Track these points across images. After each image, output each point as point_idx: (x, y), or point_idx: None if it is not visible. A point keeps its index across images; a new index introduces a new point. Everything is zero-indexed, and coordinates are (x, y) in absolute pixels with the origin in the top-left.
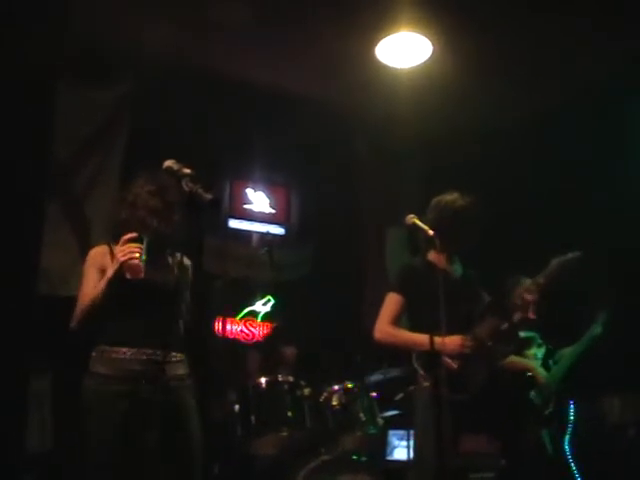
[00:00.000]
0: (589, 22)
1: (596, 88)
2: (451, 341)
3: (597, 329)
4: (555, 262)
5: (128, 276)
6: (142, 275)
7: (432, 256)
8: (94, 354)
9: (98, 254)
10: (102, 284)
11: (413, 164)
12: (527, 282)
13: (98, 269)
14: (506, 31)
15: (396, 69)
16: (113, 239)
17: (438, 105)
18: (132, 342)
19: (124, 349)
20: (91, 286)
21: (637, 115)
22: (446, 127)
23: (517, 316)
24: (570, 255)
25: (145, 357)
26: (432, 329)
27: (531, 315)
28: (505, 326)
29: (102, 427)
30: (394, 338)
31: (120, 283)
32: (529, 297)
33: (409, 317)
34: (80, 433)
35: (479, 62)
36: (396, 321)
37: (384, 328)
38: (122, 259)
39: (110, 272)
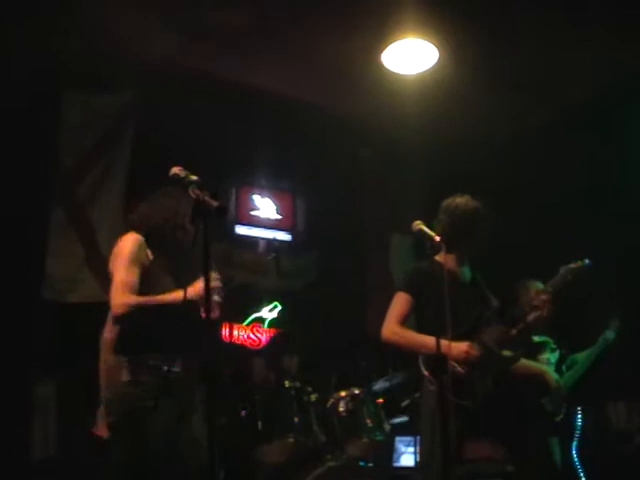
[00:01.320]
0: (597, 31)
1: (602, 96)
2: (457, 347)
3: (611, 335)
4: (564, 269)
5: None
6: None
7: (441, 258)
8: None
9: (139, 247)
10: (168, 299)
11: (418, 171)
12: (537, 285)
13: (140, 264)
14: (513, 38)
15: (402, 75)
16: (146, 237)
17: (444, 112)
18: None
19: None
20: (134, 280)
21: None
22: (452, 134)
23: (531, 317)
24: (579, 263)
25: None
26: (439, 331)
27: (546, 317)
28: (514, 332)
29: None
30: (402, 339)
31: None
32: (544, 297)
33: (416, 318)
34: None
35: (485, 69)
36: (404, 321)
37: (392, 328)
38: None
39: (180, 296)
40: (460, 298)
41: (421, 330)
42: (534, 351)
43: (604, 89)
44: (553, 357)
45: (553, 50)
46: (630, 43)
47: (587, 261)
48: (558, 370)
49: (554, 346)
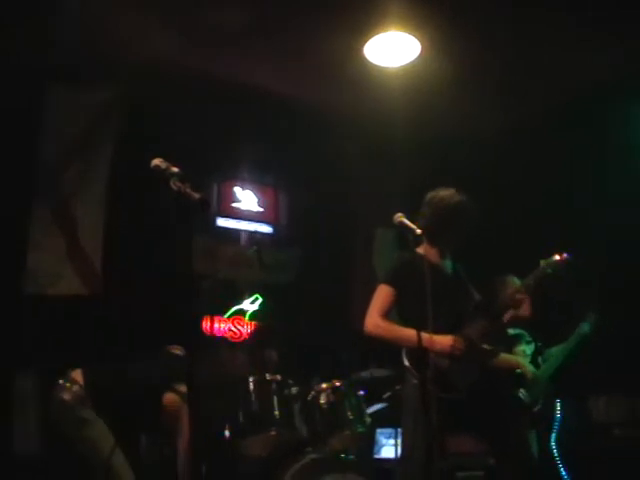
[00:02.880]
0: (581, 30)
1: (584, 92)
2: (442, 340)
3: (585, 328)
4: (544, 264)
5: None
6: None
7: (423, 250)
8: None
9: None
10: None
11: (402, 164)
12: (515, 281)
13: None
14: (495, 33)
15: (384, 68)
16: None
17: (427, 106)
18: None
19: None
20: None
21: (622, 119)
22: (435, 128)
23: (507, 315)
24: (559, 256)
25: None
26: (421, 323)
27: (525, 312)
28: (495, 325)
29: None
30: (385, 331)
31: None
32: (521, 296)
33: (399, 311)
34: None
35: (468, 64)
36: (387, 313)
37: (375, 321)
38: None
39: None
40: (443, 291)
41: (404, 323)
42: (510, 343)
43: (587, 88)
44: (529, 349)
45: (536, 47)
46: (611, 45)
47: (567, 255)
48: (534, 362)
49: (529, 338)
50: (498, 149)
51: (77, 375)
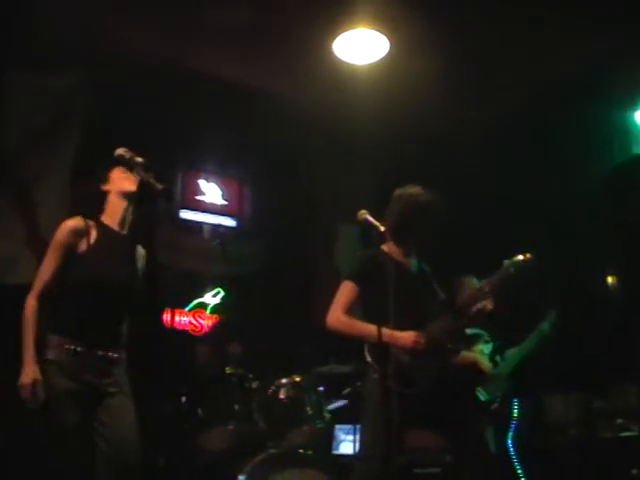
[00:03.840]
0: (546, 29)
1: (552, 90)
2: (404, 336)
3: (545, 327)
4: (507, 263)
5: None
6: None
7: (389, 248)
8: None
9: None
10: None
11: (367, 161)
12: (473, 282)
13: None
14: (464, 31)
15: (353, 65)
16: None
17: (394, 103)
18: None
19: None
20: None
21: (588, 118)
22: (401, 125)
23: (471, 316)
24: (522, 257)
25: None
26: (385, 320)
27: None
28: (457, 324)
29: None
30: (346, 327)
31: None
32: (488, 301)
33: (363, 308)
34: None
35: (435, 62)
36: (349, 310)
37: (337, 316)
38: None
39: None
40: (406, 288)
41: (368, 319)
42: (469, 342)
43: (554, 87)
44: (487, 348)
45: (504, 46)
46: (577, 45)
47: (530, 256)
48: (492, 361)
49: (488, 338)
50: (464, 148)
51: None
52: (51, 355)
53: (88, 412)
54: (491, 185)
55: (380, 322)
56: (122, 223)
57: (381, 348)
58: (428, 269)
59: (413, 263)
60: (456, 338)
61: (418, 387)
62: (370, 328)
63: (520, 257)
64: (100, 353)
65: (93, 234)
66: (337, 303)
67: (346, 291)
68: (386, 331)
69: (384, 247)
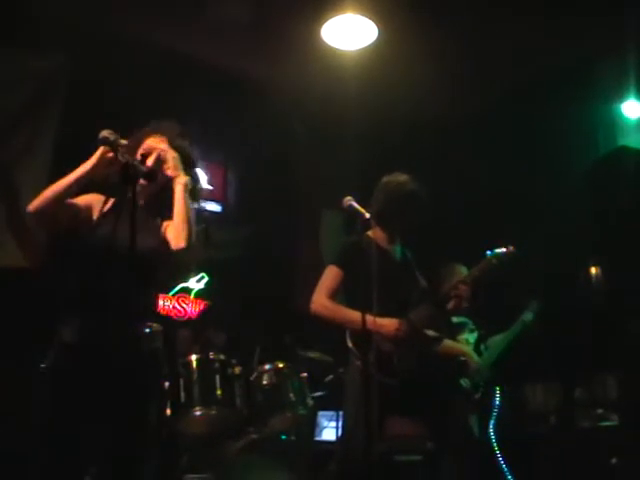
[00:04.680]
0: (535, 18)
1: (537, 81)
2: (387, 323)
3: (528, 316)
4: (490, 255)
5: None
6: None
7: (374, 234)
8: None
9: None
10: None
11: (352, 147)
12: (462, 270)
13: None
14: (452, 20)
15: (341, 51)
16: None
17: (381, 90)
18: None
19: None
20: None
21: (574, 109)
22: (388, 111)
23: (450, 305)
24: (505, 249)
25: None
26: (367, 306)
27: (464, 304)
28: (440, 313)
29: None
30: (330, 312)
31: None
32: (463, 288)
33: (346, 293)
34: None
35: (423, 49)
36: (334, 295)
37: (322, 301)
38: None
39: None
40: (389, 275)
41: (350, 305)
42: (453, 331)
43: (541, 76)
44: (472, 337)
45: (494, 34)
46: (567, 31)
47: (512, 248)
48: (476, 350)
49: (473, 327)
50: (451, 136)
51: None
52: None
53: None
54: (476, 174)
55: (363, 308)
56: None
57: (363, 335)
58: (412, 256)
59: (397, 250)
60: (438, 326)
61: (399, 375)
62: (353, 314)
63: (502, 249)
64: None
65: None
66: (321, 288)
67: (331, 276)
68: (369, 318)
69: (369, 233)
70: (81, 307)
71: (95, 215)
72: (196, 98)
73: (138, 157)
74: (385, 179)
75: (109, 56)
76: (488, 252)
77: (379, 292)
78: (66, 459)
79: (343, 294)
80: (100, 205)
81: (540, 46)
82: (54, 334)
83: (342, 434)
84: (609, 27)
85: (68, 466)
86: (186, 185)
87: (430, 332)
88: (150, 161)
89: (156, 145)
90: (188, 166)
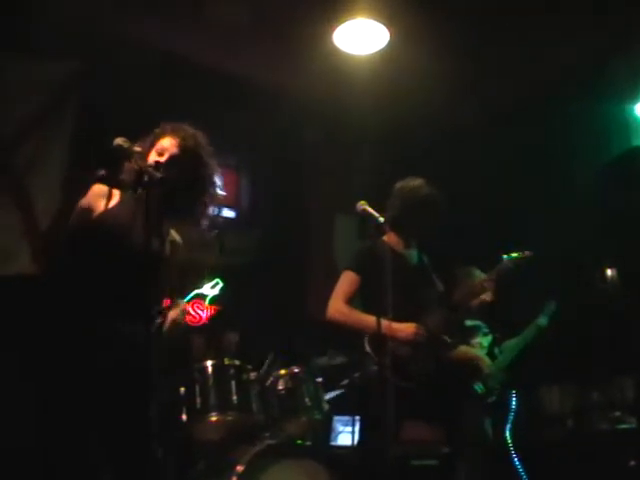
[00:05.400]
0: (548, 18)
1: (552, 82)
2: (404, 328)
3: (543, 321)
4: (507, 260)
5: None
6: None
7: (389, 239)
8: None
9: None
10: None
11: (365, 152)
12: (477, 274)
13: None
14: (464, 23)
15: (353, 56)
16: None
17: (394, 95)
18: None
19: None
20: None
21: (588, 110)
22: (401, 117)
23: (475, 302)
24: (521, 253)
25: None
26: (383, 311)
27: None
28: (455, 317)
29: None
30: (346, 318)
31: None
32: (487, 285)
33: (362, 298)
34: None
35: (436, 54)
36: (350, 300)
37: (339, 306)
38: None
39: None
40: (405, 280)
41: (366, 310)
42: (467, 335)
43: (549, 77)
44: (485, 341)
45: (503, 38)
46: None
47: (528, 252)
48: (490, 354)
49: (486, 330)
50: (465, 138)
51: None
52: None
53: None
54: (490, 176)
55: (378, 313)
56: None
57: (379, 339)
58: (428, 261)
59: (413, 255)
60: (453, 331)
61: (415, 380)
62: (370, 319)
63: (519, 253)
64: None
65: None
66: (338, 293)
67: (347, 281)
68: (385, 323)
69: (384, 238)
70: (93, 307)
71: (98, 209)
72: (209, 104)
73: (151, 161)
74: (399, 184)
75: (124, 63)
76: (504, 256)
77: (395, 297)
78: (74, 465)
79: (359, 299)
80: (103, 199)
81: (554, 46)
82: (61, 336)
83: (358, 439)
84: (622, 27)
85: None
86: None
87: (445, 337)
88: (162, 159)
89: (168, 147)
90: (198, 168)
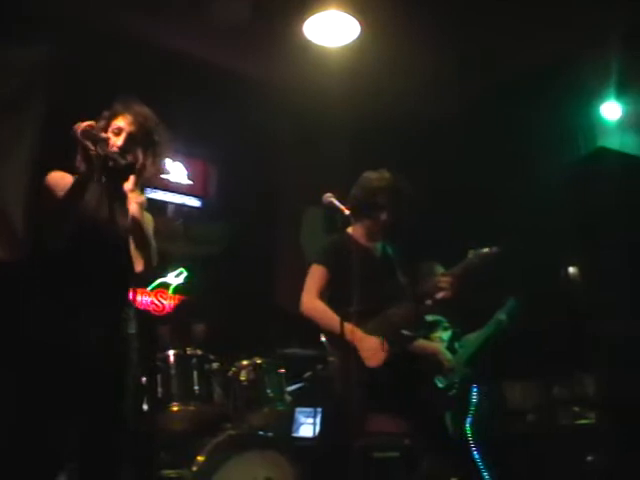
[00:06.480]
0: (517, 17)
1: (519, 82)
2: (370, 344)
3: (502, 316)
4: (472, 255)
5: None
6: None
7: (354, 231)
8: None
9: None
10: None
11: (335, 144)
12: (439, 270)
13: None
14: (435, 17)
15: (323, 48)
16: None
17: (364, 87)
18: None
19: None
20: None
21: (555, 110)
22: (370, 109)
23: (428, 302)
24: (487, 250)
25: None
26: (347, 305)
27: (451, 295)
28: (418, 311)
29: None
30: (319, 315)
31: None
32: (446, 280)
33: (329, 292)
34: None
35: (406, 46)
36: (323, 295)
37: (313, 302)
38: None
39: None
40: (369, 274)
41: (331, 304)
42: (428, 329)
43: (516, 77)
44: (446, 335)
45: (473, 35)
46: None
47: (495, 249)
48: (450, 348)
49: (447, 325)
50: (434, 133)
51: None
52: None
53: None
54: (458, 172)
55: (343, 307)
56: None
57: (342, 342)
58: (393, 254)
59: (378, 247)
60: (415, 324)
61: (376, 373)
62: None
63: (485, 249)
64: None
65: None
66: (310, 288)
67: (317, 276)
68: (356, 334)
69: (349, 230)
70: (65, 293)
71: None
72: (178, 93)
73: (115, 148)
74: (363, 176)
75: (92, 50)
76: (471, 251)
77: (359, 290)
78: (36, 456)
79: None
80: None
81: (523, 45)
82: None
83: (320, 430)
84: (590, 28)
85: (39, 464)
86: (142, 204)
87: (405, 331)
88: (120, 141)
89: (124, 126)
90: (152, 150)
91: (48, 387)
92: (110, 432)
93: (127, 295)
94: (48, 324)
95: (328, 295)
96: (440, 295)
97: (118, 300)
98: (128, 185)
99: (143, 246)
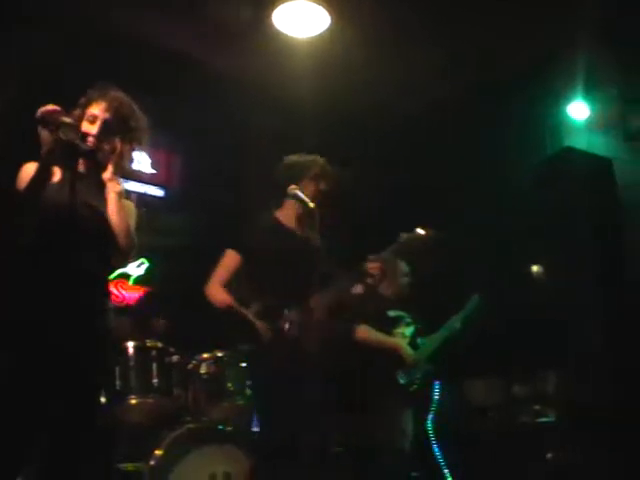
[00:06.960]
0: (487, 19)
1: (487, 82)
2: (260, 329)
3: (465, 313)
4: (404, 237)
5: None
6: None
7: (281, 215)
8: None
9: None
10: None
11: (305, 137)
12: (402, 266)
13: None
14: (407, 10)
15: (292, 38)
16: None
17: (334, 79)
18: None
19: None
20: None
21: (522, 110)
22: (340, 101)
23: (359, 288)
24: (420, 231)
25: None
26: (268, 290)
27: (386, 290)
28: (343, 298)
29: None
30: (219, 304)
31: None
32: (373, 268)
33: (247, 278)
34: None
35: (377, 36)
36: (229, 282)
37: (215, 292)
38: None
39: None
40: (293, 258)
41: (251, 290)
42: (389, 325)
43: (484, 76)
44: (408, 331)
45: (449, 25)
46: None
47: (430, 230)
48: (412, 344)
49: (409, 320)
50: (405, 131)
51: None
52: None
53: None
54: (425, 167)
55: (263, 292)
56: None
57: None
58: (321, 241)
59: (307, 233)
60: (343, 312)
61: (307, 364)
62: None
63: (419, 231)
64: None
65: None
66: (216, 275)
67: (227, 261)
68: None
69: (278, 214)
70: (39, 282)
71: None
72: (143, 81)
73: (91, 137)
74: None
75: (58, 36)
76: (403, 234)
77: (282, 276)
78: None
79: (244, 277)
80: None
81: (492, 46)
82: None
83: (262, 426)
84: (558, 29)
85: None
86: (121, 194)
87: (335, 318)
88: (95, 129)
89: (99, 113)
90: (129, 137)
91: (26, 378)
92: (84, 419)
93: (106, 286)
94: (24, 315)
95: (247, 280)
96: (369, 281)
97: (97, 291)
98: (106, 174)
99: (123, 236)
